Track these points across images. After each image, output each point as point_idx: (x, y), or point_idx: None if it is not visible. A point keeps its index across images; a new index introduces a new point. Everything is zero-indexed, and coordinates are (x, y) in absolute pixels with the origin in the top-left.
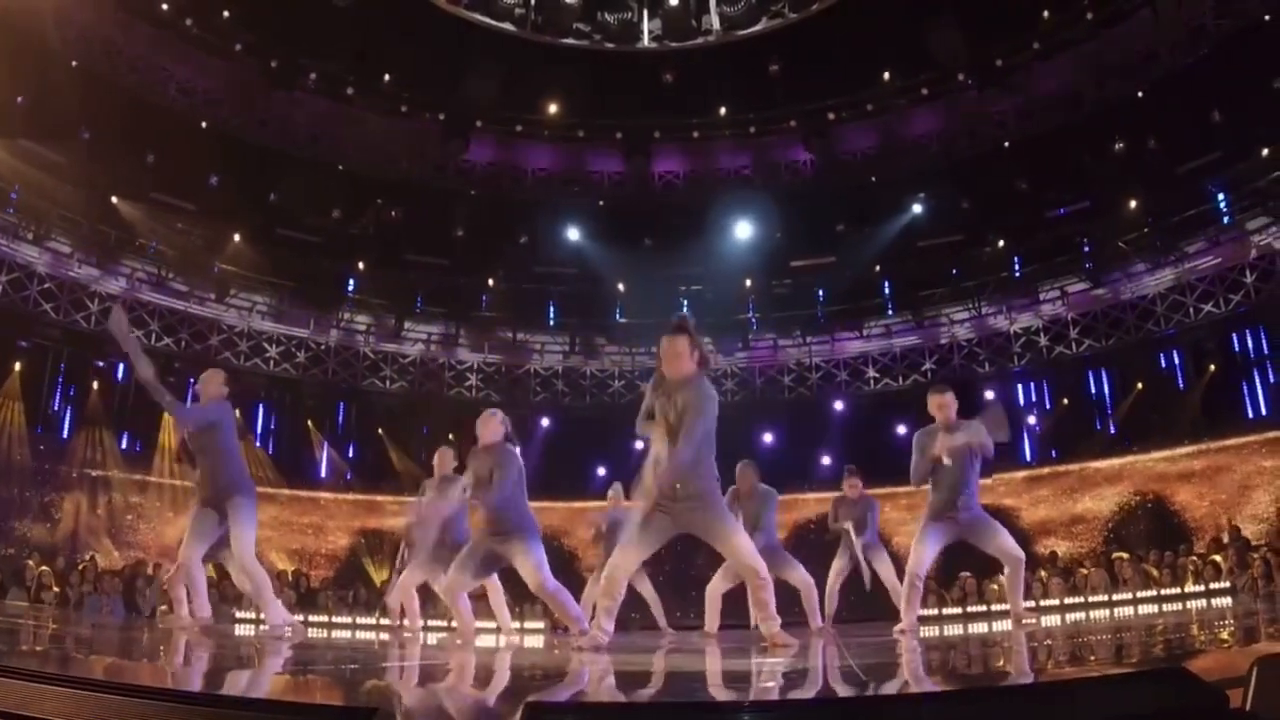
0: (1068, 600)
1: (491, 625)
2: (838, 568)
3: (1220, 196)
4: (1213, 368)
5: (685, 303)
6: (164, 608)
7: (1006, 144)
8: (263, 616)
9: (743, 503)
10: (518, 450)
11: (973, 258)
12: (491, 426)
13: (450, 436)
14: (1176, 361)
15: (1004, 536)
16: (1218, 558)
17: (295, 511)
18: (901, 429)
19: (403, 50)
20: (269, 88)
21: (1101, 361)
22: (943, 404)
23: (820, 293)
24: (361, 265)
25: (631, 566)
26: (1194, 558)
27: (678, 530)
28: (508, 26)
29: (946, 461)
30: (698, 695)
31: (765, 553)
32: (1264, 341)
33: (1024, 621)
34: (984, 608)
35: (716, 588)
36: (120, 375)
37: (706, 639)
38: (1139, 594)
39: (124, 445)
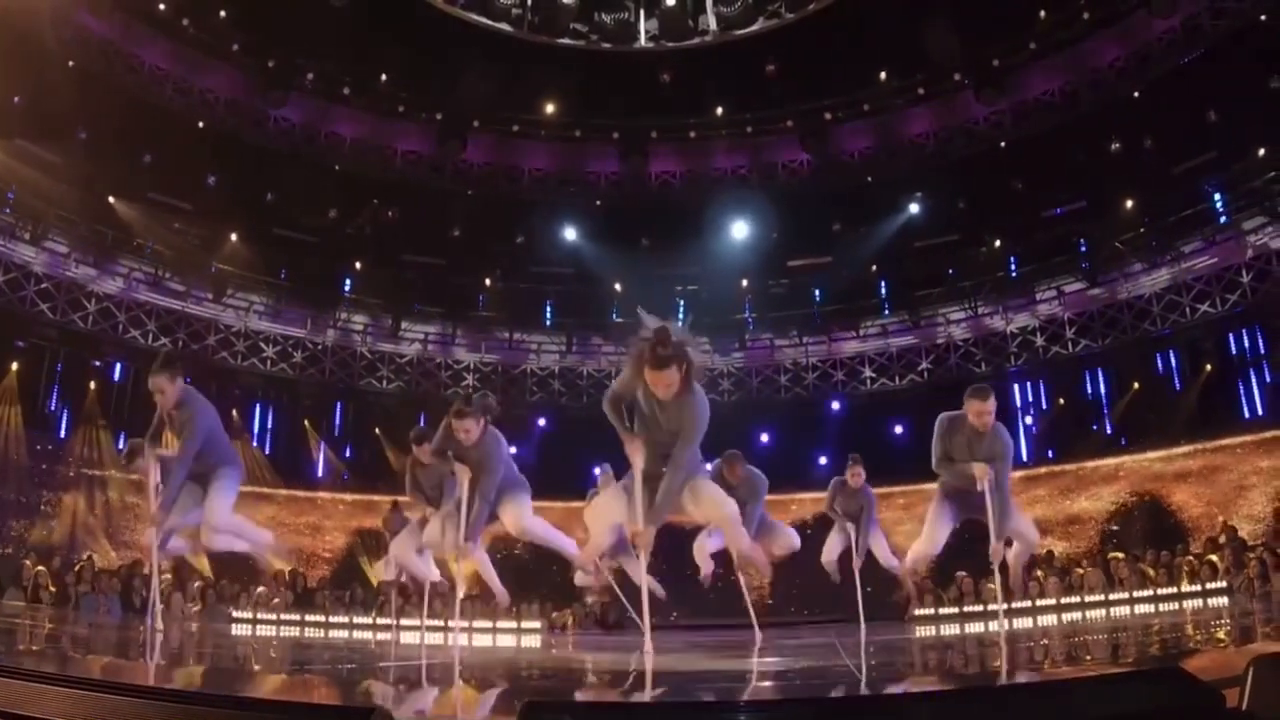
0: (1064, 600)
1: (488, 625)
2: (832, 543)
3: (1216, 196)
4: (1209, 367)
5: (681, 304)
6: (163, 606)
7: (1003, 144)
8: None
9: (732, 492)
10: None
11: (969, 258)
12: (475, 431)
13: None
14: (1173, 361)
15: (1019, 518)
16: (1214, 557)
17: (292, 512)
18: (898, 429)
19: (399, 50)
20: (266, 88)
21: (1098, 361)
22: (982, 412)
23: (817, 293)
24: (358, 265)
25: (607, 524)
26: (1190, 557)
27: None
28: (504, 27)
29: (981, 488)
30: (695, 694)
31: (757, 533)
32: (1260, 341)
33: (1022, 590)
34: (980, 607)
35: (702, 542)
36: (117, 375)
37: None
38: (1135, 594)
39: (121, 445)
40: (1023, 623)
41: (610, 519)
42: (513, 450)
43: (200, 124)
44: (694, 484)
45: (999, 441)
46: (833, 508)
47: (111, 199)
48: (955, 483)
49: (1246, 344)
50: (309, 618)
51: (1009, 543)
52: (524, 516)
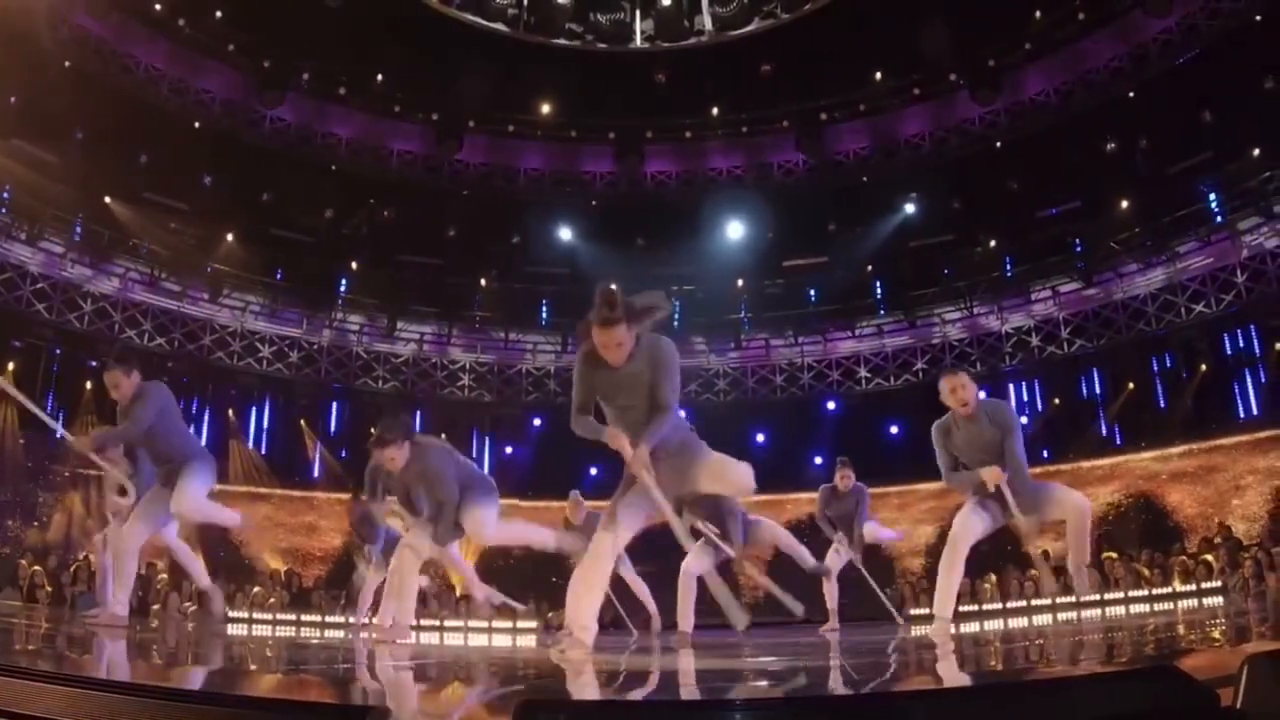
0: (1059, 600)
1: (484, 625)
2: (832, 562)
3: (1211, 196)
4: (1204, 368)
5: (677, 304)
6: (159, 606)
7: (998, 144)
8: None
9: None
10: (439, 442)
11: (964, 258)
12: (400, 457)
13: (442, 436)
14: (1168, 361)
15: (1061, 492)
16: (1209, 557)
17: (288, 511)
18: (894, 429)
19: (395, 51)
20: (262, 88)
21: (1093, 361)
22: (955, 387)
23: (812, 293)
24: (354, 265)
25: (617, 547)
26: (1185, 557)
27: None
28: (500, 27)
29: (993, 488)
30: (691, 693)
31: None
32: (1255, 341)
33: (1082, 571)
34: (975, 607)
35: (691, 569)
36: None
37: (680, 642)
38: (1130, 593)
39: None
40: (1017, 622)
41: (613, 554)
42: (508, 450)
43: (196, 124)
44: (715, 466)
45: (998, 415)
46: (824, 515)
47: (108, 199)
48: (972, 492)
49: (1241, 344)
50: (305, 617)
51: (995, 566)
52: (485, 525)
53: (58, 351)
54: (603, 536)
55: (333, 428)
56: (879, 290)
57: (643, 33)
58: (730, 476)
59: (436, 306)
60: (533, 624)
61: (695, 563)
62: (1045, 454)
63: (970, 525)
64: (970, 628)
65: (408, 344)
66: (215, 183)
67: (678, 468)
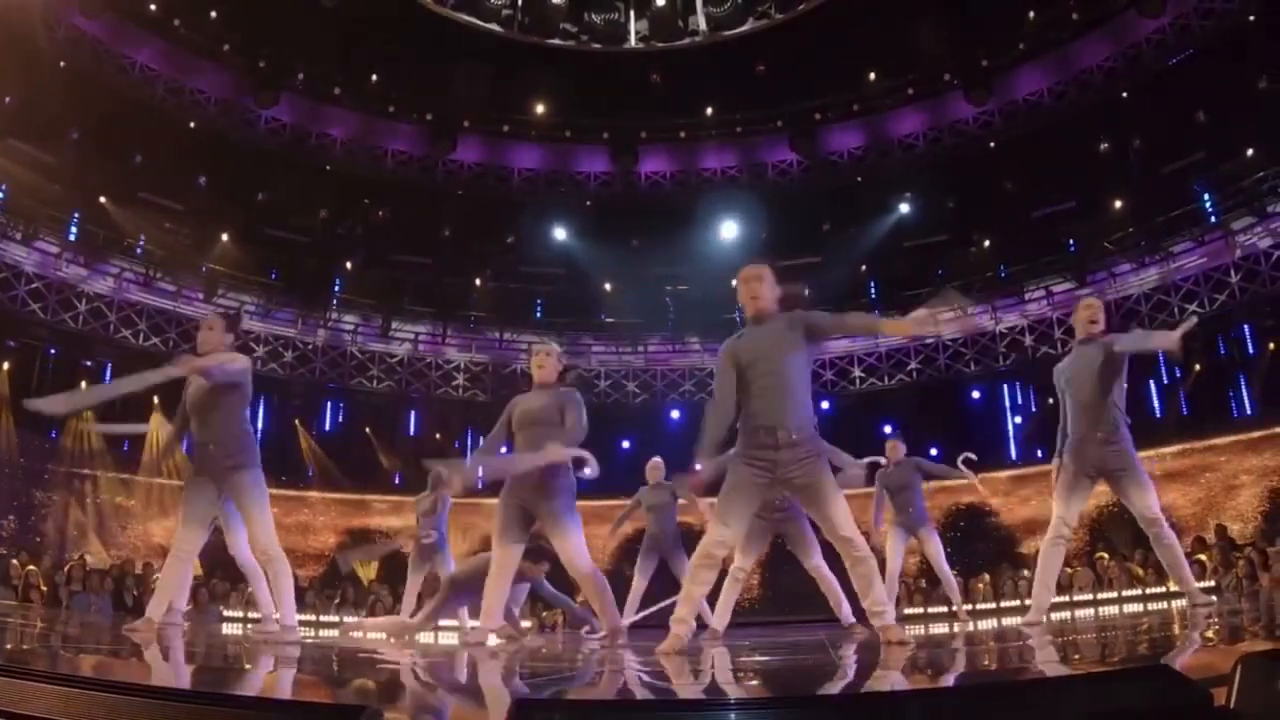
0: (1053, 599)
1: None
2: (893, 547)
3: (1205, 196)
4: (1198, 367)
5: (670, 302)
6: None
7: (992, 144)
8: (276, 615)
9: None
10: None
11: (958, 258)
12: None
13: (437, 436)
14: (1161, 361)
15: (1149, 492)
16: (1203, 557)
17: (282, 511)
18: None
19: (390, 51)
20: (257, 88)
21: None
22: (1087, 305)
23: (806, 293)
24: (349, 265)
25: (739, 534)
26: None
27: (772, 493)
28: (495, 27)
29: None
30: (686, 693)
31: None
32: (1249, 341)
33: (1197, 600)
34: (969, 606)
35: (739, 574)
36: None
37: (712, 641)
38: (1124, 593)
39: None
40: (1012, 621)
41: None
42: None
43: (191, 124)
44: (829, 496)
45: (1114, 336)
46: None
47: (103, 199)
48: (1071, 430)
49: (1235, 344)
50: (299, 617)
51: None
52: (577, 555)
53: (52, 351)
54: (719, 535)
55: (328, 427)
56: (873, 290)
57: (637, 33)
58: (839, 525)
59: (431, 306)
60: (527, 623)
61: (742, 563)
62: (1040, 454)
63: (1071, 498)
64: (965, 626)
65: (403, 344)
66: (210, 183)
67: (802, 466)
